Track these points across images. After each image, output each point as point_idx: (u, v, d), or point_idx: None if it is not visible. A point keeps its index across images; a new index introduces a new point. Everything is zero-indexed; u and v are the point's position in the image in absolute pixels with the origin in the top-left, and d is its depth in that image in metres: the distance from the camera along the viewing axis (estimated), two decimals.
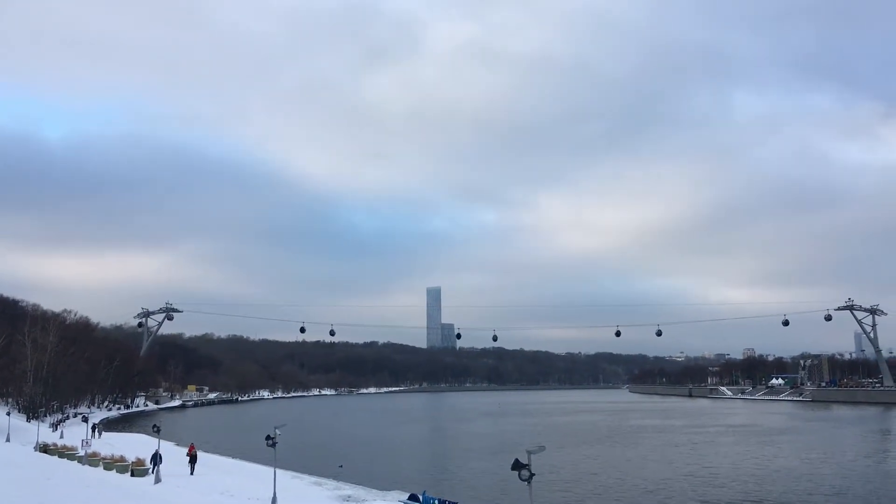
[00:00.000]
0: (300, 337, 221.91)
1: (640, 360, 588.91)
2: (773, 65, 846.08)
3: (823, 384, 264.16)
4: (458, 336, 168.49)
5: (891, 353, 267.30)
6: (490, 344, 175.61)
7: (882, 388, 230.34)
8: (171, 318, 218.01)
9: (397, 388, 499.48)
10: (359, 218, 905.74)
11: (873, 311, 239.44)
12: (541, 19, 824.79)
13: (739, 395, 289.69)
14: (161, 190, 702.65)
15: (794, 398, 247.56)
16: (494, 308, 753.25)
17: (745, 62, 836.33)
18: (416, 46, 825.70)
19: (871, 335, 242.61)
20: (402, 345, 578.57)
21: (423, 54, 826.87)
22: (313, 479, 58.10)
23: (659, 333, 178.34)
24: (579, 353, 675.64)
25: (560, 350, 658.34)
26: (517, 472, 25.54)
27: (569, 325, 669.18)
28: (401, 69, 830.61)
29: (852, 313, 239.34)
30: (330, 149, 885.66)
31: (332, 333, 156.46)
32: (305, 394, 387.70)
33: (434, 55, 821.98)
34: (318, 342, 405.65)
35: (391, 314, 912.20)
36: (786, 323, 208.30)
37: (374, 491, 51.82)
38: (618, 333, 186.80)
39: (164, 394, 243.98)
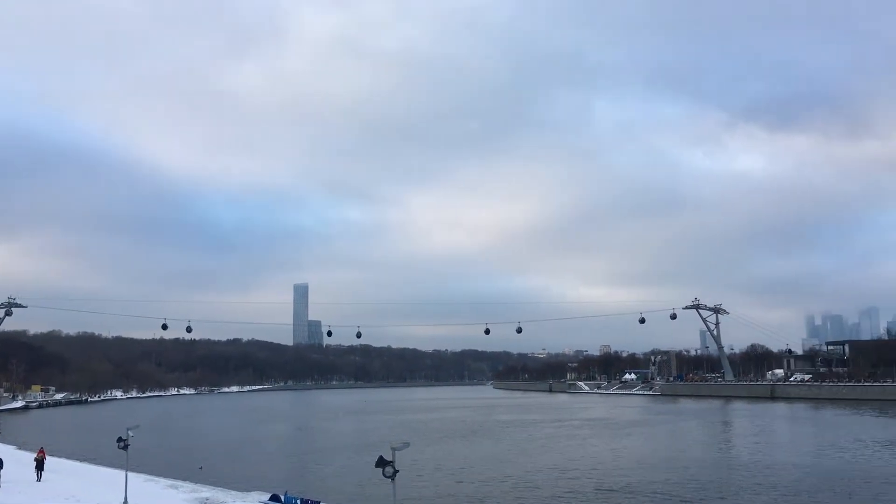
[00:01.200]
0: (158, 334, 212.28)
1: (505, 356, 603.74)
2: (630, 75, 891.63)
3: (671, 379, 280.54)
4: (329, 334, 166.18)
5: (732, 349, 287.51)
6: (357, 341, 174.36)
7: (723, 383, 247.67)
8: (10, 314, 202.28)
9: (261, 387, 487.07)
10: (221, 210, 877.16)
11: (717, 311, 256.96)
12: (411, 16, 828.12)
13: (596, 390, 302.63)
14: (6, 175, 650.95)
15: (645, 392, 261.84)
16: (363, 305, 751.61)
17: (605, 71, 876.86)
18: (283, 36, 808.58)
19: (715, 333, 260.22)
20: (267, 342, 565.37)
21: (292, 45, 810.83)
22: (169, 481, 55.74)
23: (519, 331, 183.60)
24: (446, 350, 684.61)
25: (427, 347, 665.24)
26: (381, 469, 25.55)
27: (436, 323, 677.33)
28: (268, 59, 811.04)
29: (698, 312, 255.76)
30: (190, 138, 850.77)
31: (188, 330, 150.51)
32: (163, 393, 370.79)
33: (302, 46, 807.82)
34: (177, 339, 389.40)
35: (256, 311, 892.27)
36: (642, 321, 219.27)
37: (233, 492, 50.32)
38: (487, 331, 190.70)
39: (4, 394, 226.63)
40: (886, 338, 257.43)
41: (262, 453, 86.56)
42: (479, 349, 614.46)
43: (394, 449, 25.61)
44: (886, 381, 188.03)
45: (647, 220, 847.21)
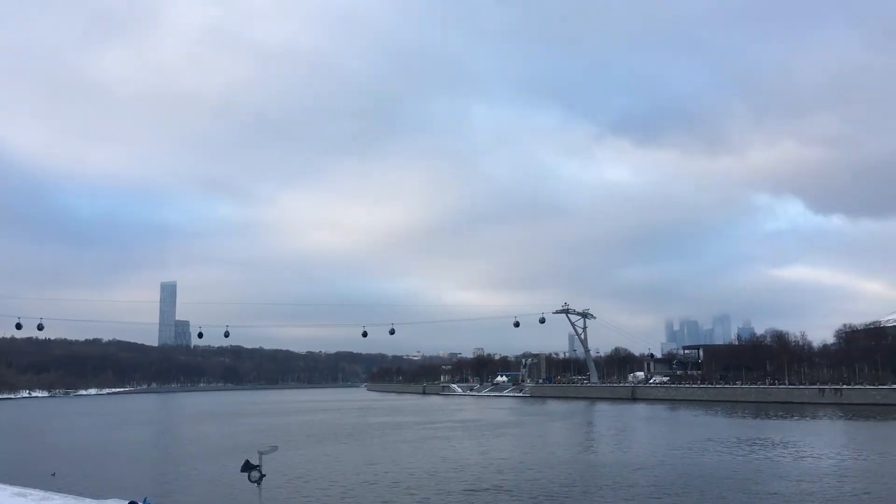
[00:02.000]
0: (9, 333, 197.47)
1: (380, 358, 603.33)
2: (506, 83, 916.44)
3: (541, 381, 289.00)
4: (200, 335, 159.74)
5: (598, 352, 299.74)
6: (226, 341, 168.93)
7: (589, 384, 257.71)
8: None
9: (123, 389, 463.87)
10: (82, 203, 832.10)
11: (585, 315, 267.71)
12: (287, 10, 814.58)
13: (468, 392, 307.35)
14: None
15: (516, 394, 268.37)
16: (234, 305, 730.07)
17: (482, 77, 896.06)
18: (155, 25, 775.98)
19: (583, 336, 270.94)
20: (130, 342, 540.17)
21: (163, 34, 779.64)
22: (16, 489, 51.70)
23: (392, 332, 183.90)
24: (320, 352, 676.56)
25: (301, 349, 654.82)
26: (247, 474, 24.77)
27: (311, 324, 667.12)
28: (137, 47, 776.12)
29: (567, 317, 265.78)
30: (43, 125, 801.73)
31: (40, 328, 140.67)
32: (12, 396, 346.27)
33: (176, 36, 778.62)
34: (29, 339, 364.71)
35: (119, 309, 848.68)
36: (516, 324, 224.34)
37: (88, 500, 47.32)
38: (364, 334, 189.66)
39: None
40: (737, 343, 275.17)
41: (121, 459, 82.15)
42: (354, 351, 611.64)
43: (261, 453, 24.91)
44: (735, 384, 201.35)
45: (522, 225, 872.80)
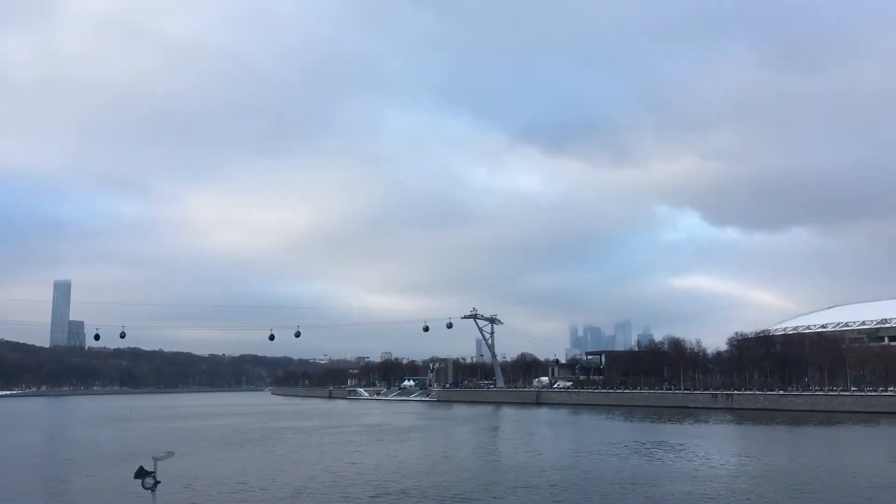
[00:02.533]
0: None
1: (286, 362, 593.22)
2: (419, 87, 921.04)
3: (447, 385, 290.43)
4: (97, 337, 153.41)
5: (504, 357, 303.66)
6: (123, 343, 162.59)
7: (495, 389, 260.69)
8: None
9: (10, 392, 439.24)
10: None
11: (492, 321, 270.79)
12: (197, 4, 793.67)
13: (375, 397, 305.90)
14: None
15: (423, 398, 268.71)
16: (133, 306, 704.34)
17: (395, 80, 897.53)
18: (53, 11, 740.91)
19: (490, 342, 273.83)
20: (18, 343, 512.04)
21: (63, 21, 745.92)
22: None
23: (297, 335, 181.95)
24: (223, 355, 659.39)
25: (203, 352, 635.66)
26: (141, 481, 23.75)
27: (214, 326, 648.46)
28: (32, 33, 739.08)
29: (475, 322, 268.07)
30: None
31: None
32: None
33: (76, 24, 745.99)
34: None
35: (7, 308, 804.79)
36: (426, 329, 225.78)
37: None
38: (271, 337, 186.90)
39: None
40: (636, 349, 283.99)
41: (7, 465, 77.62)
42: (259, 354, 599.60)
43: (156, 459, 23.92)
44: (635, 389, 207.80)
45: (432, 230, 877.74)
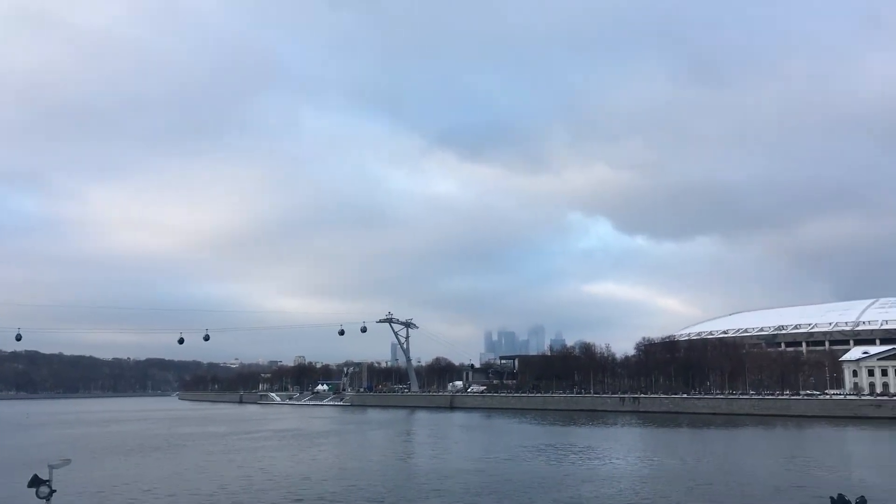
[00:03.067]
0: None
1: (194, 366, 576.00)
2: (338, 87, 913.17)
3: (361, 389, 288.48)
4: None
5: (419, 361, 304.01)
6: (18, 345, 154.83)
7: (409, 393, 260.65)
8: None
9: None
10: None
11: (408, 325, 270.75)
12: None
13: (288, 401, 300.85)
14: None
15: (336, 403, 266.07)
16: (30, 307, 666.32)
17: (314, 81, 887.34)
18: None
19: (405, 346, 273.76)
20: None
21: None
22: None
23: (206, 338, 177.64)
24: (128, 358, 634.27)
25: (106, 355, 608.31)
26: (35, 490, 22.56)
27: (118, 329, 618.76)
28: None
29: (390, 326, 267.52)
30: None
31: None
32: None
33: None
34: None
35: None
36: (342, 332, 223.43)
37: None
38: (181, 340, 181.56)
39: None
40: (549, 353, 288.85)
41: None
42: (166, 358, 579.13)
43: (51, 466, 22.77)
44: (547, 392, 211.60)
45: (349, 233, 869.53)
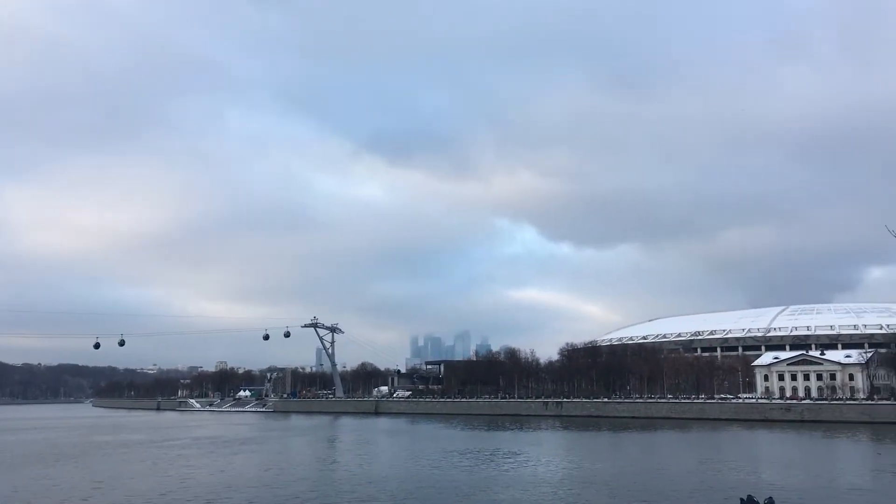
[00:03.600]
0: None
1: (110, 372, 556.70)
2: (265, 89, 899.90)
3: (285, 395, 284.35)
4: None
5: (345, 367, 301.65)
6: None
7: (334, 399, 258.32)
8: None
9: None
10: None
11: (333, 330, 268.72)
12: None
13: (208, 408, 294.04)
14: None
15: (259, 409, 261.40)
16: None
17: (241, 81, 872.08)
18: None
19: (330, 351, 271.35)
20: None
21: None
22: None
23: (122, 343, 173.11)
24: (39, 364, 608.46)
25: (16, 360, 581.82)
26: None
27: (29, 334, 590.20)
28: None
29: (316, 330, 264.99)
30: None
31: None
32: None
33: None
34: None
35: None
36: (266, 337, 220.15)
37: None
38: (97, 346, 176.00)
39: None
40: (474, 359, 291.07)
41: None
42: (80, 364, 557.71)
43: None
44: (472, 398, 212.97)
45: (274, 237, 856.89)
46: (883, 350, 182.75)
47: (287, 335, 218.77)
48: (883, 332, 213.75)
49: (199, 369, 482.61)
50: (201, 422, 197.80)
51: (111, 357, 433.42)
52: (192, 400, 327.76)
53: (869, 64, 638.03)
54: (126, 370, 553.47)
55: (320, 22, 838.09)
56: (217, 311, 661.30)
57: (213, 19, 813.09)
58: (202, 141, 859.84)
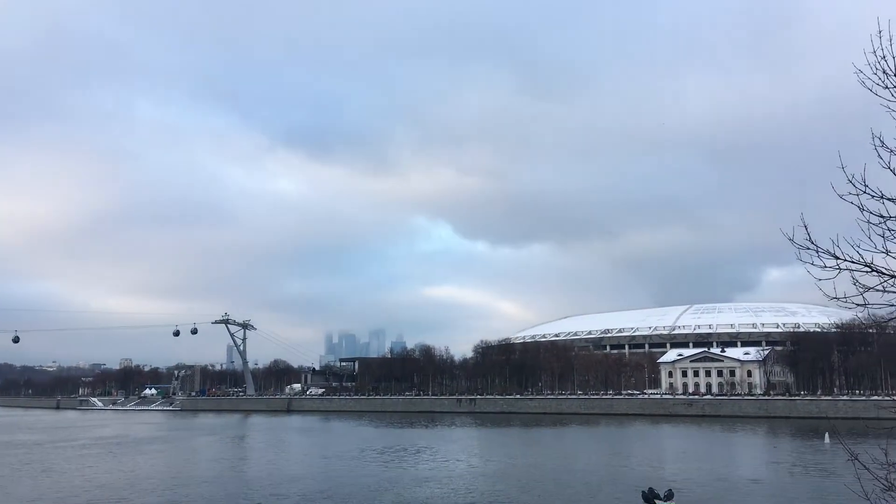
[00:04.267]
0: None
1: (6, 369, 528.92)
2: (178, 79, 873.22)
3: (193, 394, 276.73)
4: None
5: (256, 364, 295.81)
6: None
7: (245, 397, 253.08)
8: None
9: None
10: None
11: (245, 326, 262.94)
12: None
13: (111, 406, 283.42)
14: None
15: (165, 408, 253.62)
16: None
17: (151, 71, 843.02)
18: None
19: (242, 348, 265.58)
20: None
21: None
22: None
23: (16, 340, 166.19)
24: None
25: None
26: None
27: None
28: None
29: (227, 327, 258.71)
30: None
31: None
32: None
33: None
34: None
35: None
36: (176, 333, 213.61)
37: None
38: (16, 339, 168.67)
39: None
40: (389, 356, 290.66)
41: None
42: None
43: None
44: (386, 395, 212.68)
45: (185, 230, 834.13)
46: (779, 348, 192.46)
47: (194, 332, 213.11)
48: (779, 330, 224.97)
49: (103, 367, 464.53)
50: (104, 421, 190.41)
51: (6, 354, 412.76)
52: (94, 399, 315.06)
53: (774, 75, 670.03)
54: (23, 367, 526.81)
55: (241, 15, 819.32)
56: (123, 306, 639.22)
57: (128, 5, 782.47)
58: (111, 132, 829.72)
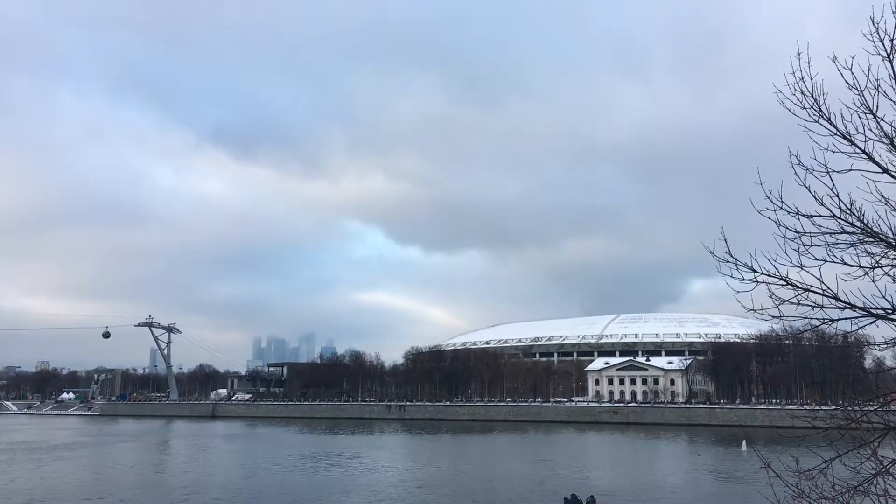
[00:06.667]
0: None
1: None
2: (101, 71, 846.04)
3: (114, 398, 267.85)
4: None
5: (181, 368, 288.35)
6: None
7: (168, 402, 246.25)
8: None
9: None
10: None
11: (170, 329, 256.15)
12: None
13: (25, 411, 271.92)
14: None
15: (84, 412, 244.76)
16: None
17: (74, 62, 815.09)
18: None
19: (166, 351, 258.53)
20: None
21: None
22: None
23: None
24: None
25: None
26: None
27: None
28: None
29: (150, 330, 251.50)
30: None
31: None
32: None
33: None
34: None
35: None
36: (106, 335, 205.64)
37: None
38: None
39: None
40: (319, 361, 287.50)
41: None
42: None
43: None
44: (315, 401, 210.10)
45: (106, 230, 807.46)
46: (701, 357, 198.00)
47: (106, 335, 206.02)
48: (701, 340, 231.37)
49: (17, 370, 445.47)
50: (17, 425, 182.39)
51: None
52: (7, 402, 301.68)
53: (700, 92, 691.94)
54: None
55: (169, 9, 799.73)
56: (39, 307, 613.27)
57: None
58: (29, 125, 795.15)
